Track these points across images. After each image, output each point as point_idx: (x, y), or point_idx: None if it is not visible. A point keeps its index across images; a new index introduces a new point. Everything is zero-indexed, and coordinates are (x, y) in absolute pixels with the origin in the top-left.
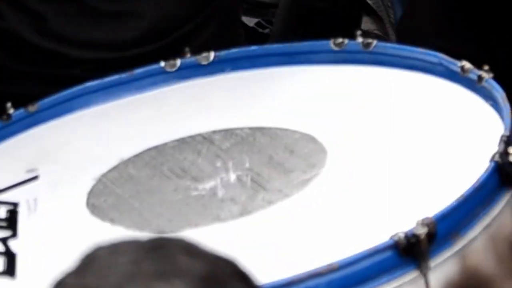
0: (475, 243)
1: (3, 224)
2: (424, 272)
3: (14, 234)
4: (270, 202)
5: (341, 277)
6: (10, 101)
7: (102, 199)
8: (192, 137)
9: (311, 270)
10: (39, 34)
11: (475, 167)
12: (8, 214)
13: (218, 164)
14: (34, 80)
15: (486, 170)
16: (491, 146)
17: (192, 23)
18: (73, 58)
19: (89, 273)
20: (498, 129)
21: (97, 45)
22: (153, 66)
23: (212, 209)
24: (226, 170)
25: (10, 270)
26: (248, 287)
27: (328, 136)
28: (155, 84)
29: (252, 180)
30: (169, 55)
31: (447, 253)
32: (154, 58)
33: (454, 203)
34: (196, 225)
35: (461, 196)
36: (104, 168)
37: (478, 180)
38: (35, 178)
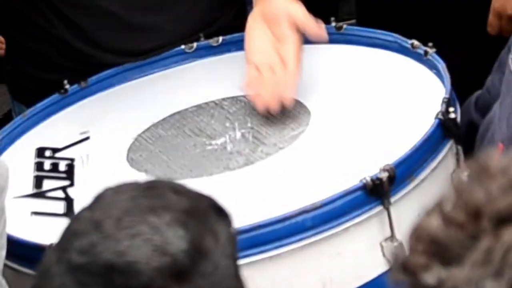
0: (425, 182)
1: (63, 175)
2: (386, 207)
3: (71, 184)
4: (267, 154)
5: (322, 213)
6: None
7: (138, 154)
8: (206, 103)
9: (300, 208)
10: (80, 41)
11: (423, 123)
12: (67, 168)
13: (227, 124)
14: (74, 74)
15: (432, 125)
16: (436, 106)
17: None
18: (105, 61)
19: (97, 208)
20: (441, 93)
21: (125, 52)
22: (176, 48)
23: (222, 160)
24: (233, 129)
25: (69, 212)
26: (222, 218)
27: (311, 101)
28: (177, 62)
29: (253, 136)
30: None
31: (404, 191)
32: None
33: (408, 152)
34: (211, 173)
35: (414, 146)
36: (139, 130)
37: (426, 133)
38: (87, 138)
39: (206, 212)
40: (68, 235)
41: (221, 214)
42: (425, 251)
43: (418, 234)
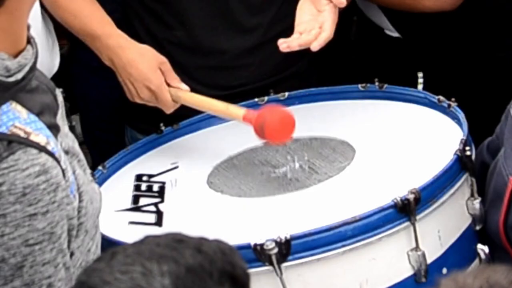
0: (444, 205)
1: (156, 194)
2: (412, 223)
3: (162, 200)
4: (319, 180)
5: (361, 225)
6: None
7: (216, 178)
8: None
9: (343, 220)
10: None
11: (445, 158)
12: (159, 189)
13: (288, 157)
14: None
15: (451, 160)
16: (455, 146)
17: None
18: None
19: (131, 245)
20: (459, 135)
21: (216, 86)
22: (251, 101)
23: (283, 185)
24: (293, 161)
25: (159, 222)
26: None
27: (357, 142)
28: None
29: (309, 167)
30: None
31: (427, 211)
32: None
33: (432, 180)
34: (274, 194)
35: (436, 175)
36: (218, 161)
37: (446, 165)
38: (176, 167)
39: (210, 275)
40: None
41: (233, 283)
42: None
43: None
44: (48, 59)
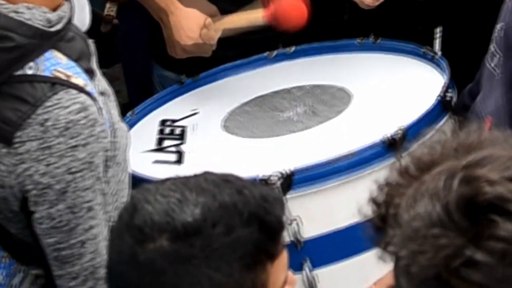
0: (429, 141)
1: (177, 137)
2: (398, 158)
3: (183, 142)
4: (320, 122)
5: (355, 160)
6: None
7: (230, 123)
8: (281, 90)
9: (338, 155)
10: None
11: (429, 101)
12: (180, 132)
13: (294, 103)
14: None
15: (434, 102)
16: (438, 90)
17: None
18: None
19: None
20: (442, 81)
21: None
22: (261, 55)
23: (289, 126)
24: (298, 106)
25: (179, 161)
26: (255, 227)
27: (353, 89)
28: (262, 65)
29: (311, 111)
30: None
31: (413, 146)
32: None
33: (416, 119)
34: (280, 135)
35: (421, 115)
36: (232, 107)
37: (430, 106)
38: (196, 113)
39: (240, 214)
40: None
41: (261, 227)
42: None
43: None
44: (80, 17)
